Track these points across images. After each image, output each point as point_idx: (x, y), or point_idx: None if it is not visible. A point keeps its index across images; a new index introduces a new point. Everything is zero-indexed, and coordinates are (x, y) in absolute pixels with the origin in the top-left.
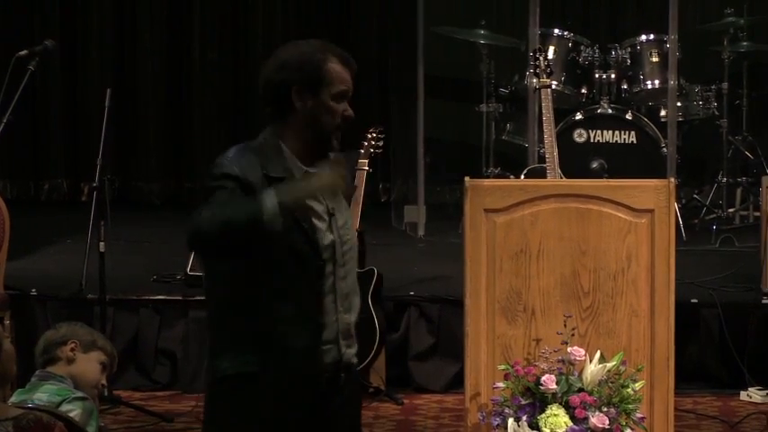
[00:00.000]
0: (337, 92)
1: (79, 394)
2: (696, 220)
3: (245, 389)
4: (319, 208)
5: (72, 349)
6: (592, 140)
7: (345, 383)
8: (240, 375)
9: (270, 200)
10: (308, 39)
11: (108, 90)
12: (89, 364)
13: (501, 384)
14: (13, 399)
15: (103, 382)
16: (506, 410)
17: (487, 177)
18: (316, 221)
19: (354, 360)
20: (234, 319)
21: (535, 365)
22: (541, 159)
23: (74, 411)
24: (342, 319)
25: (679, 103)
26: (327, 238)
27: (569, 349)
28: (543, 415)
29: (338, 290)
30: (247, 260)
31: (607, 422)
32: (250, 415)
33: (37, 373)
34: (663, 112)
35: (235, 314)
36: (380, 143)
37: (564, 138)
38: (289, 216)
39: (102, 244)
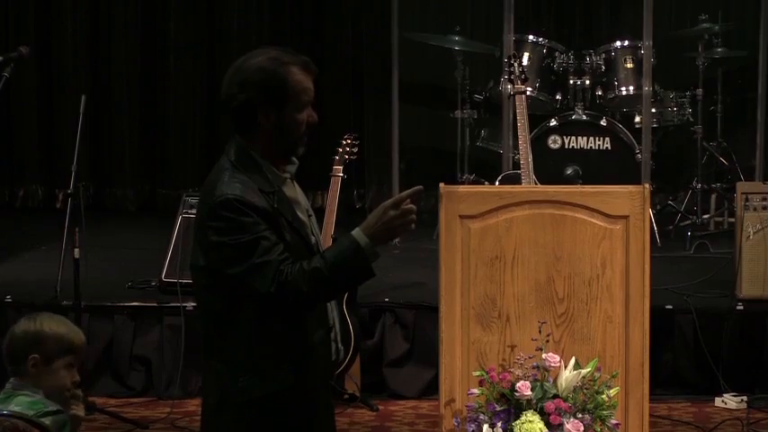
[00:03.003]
0: (304, 103)
1: (52, 408)
2: (671, 227)
3: (279, 405)
4: (302, 210)
5: (33, 365)
6: (566, 146)
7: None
8: (275, 393)
9: (360, 238)
10: (266, 46)
11: (83, 97)
12: (53, 376)
13: (476, 391)
14: None
15: (75, 379)
16: (481, 417)
17: (462, 183)
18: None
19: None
20: (260, 338)
21: (510, 372)
22: (516, 165)
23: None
24: (337, 318)
25: (654, 110)
26: (311, 239)
27: (544, 355)
28: (518, 421)
29: None
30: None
31: (582, 428)
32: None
33: (11, 380)
34: (637, 119)
35: (261, 333)
36: (355, 149)
37: (538, 144)
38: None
39: (76, 250)
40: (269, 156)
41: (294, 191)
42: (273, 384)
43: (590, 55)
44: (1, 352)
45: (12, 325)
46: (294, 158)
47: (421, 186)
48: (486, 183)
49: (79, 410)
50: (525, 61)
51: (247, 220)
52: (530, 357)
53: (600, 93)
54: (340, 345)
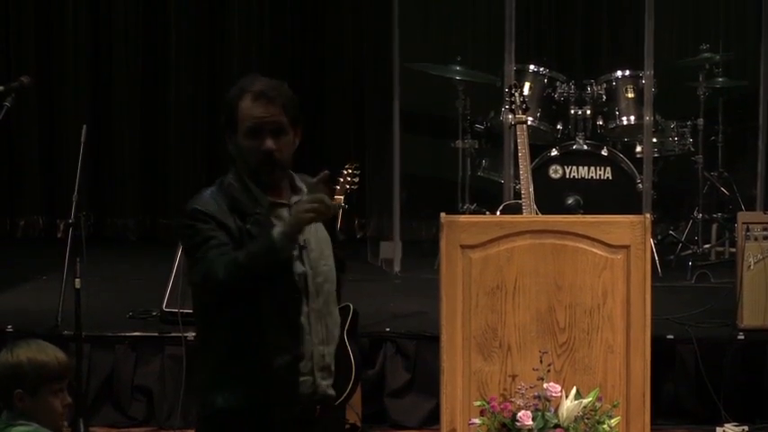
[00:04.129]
0: (246, 129)
1: None
2: (672, 256)
3: (232, 423)
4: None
5: (20, 399)
6: (567, 176)
7: (322, 415)
8: (229, 410)
9: (275, 231)
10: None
11: (84, 127)
12: (42, 406)
13: (477, 420)
14: None
15: (65, 402)
16: None
17: (463, 213)
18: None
19: (330, 392)
20: (223, 357)
21: (511, 401)
22: (517, 195)
23: None
24: (317, 351)
25: (655, 139)
26: (298, 268)
27: (545, 385)
28: None
29: (312, 321)
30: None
31: None
32: None
33: (4, 413)
34: (638, 148)
35: (224, 351)
36: (356, 179)
37: (540, 174)
38: (294, 243)
39: (77, 280)
40: (252, 179)
41: (283, 217)
42: (227, 402)
43: (591, 85)
44: None
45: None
46: (302, 188)
47: (326, 171)
48: (488, 212)
49: None
50: (526, 91)
51: (203, 226)
52: (531, 387)
53: (601, 122)
54: (319, 379)
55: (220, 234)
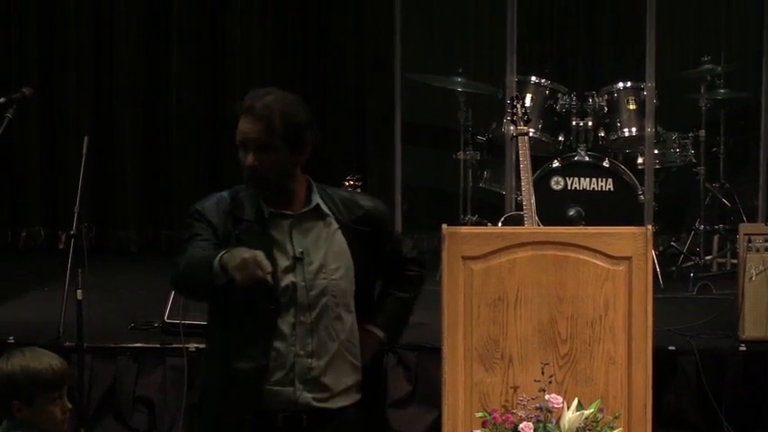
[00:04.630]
0: (237, 142)
1: None
2: (674, 268)
3: (207, 417)
4: (284, 250)
5: (18, 410)
6: (569, 188)
7: (316, 427)
8: (196, 406)
9: (216, 260)
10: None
11: (85, 138)
12: (41, 414)
13: None
14: None
15: (65, 408)
16: None
17: (465, 225)
18: (278, 270)
19: (322, 405)
20: (208, 354)
21: (513, 413)
22: (519, 207)
23: None
24: (301, 363)
25: (656, 151)
26: (287, 279)
27: (547, 397)
28: None
29: (298, 333)
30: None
31: None
32: None
33: (5, 422)
34: (640, 160)
35: (209, 350)
36: (358, 190)
37: (541, 185)
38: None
39: (79, 291)
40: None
41: (283, 233)
42: (198, 397)
43: (593, 96)
44: None
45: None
46: (314, 200)
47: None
48: (489, 224)
49: None
50: (528, 102)
51: (195, 224)
52: (532, 398)
53: (602, 134)
54: (301, 391)
55: (207, 234)
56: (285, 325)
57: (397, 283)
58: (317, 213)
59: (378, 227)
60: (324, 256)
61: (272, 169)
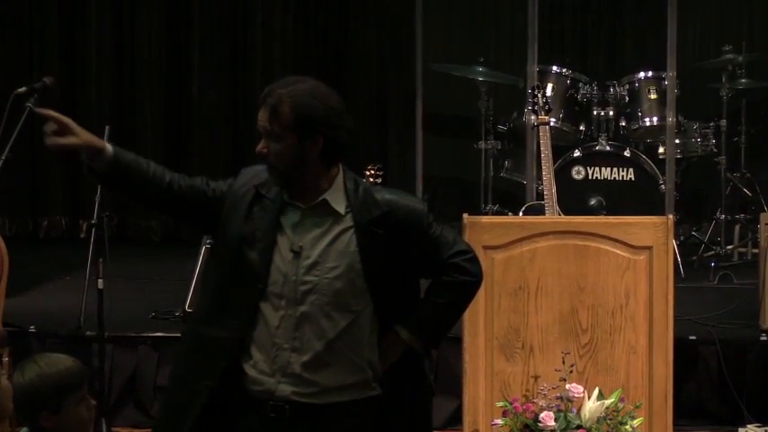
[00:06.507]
0: None
1: None
2: (694, 257)
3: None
4: (287, 240)
5: (46, 419)
6: (590, 177)
7: (301, 420)
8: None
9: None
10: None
11: (106, 127)
12: (69, 418)
13: (499, 421)
14: None
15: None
16: None
17: (486, 214)
18: (276, 254)
19: (307, 400)
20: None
21: (533, 402)
22: (540, 196)
23: None
24: (284, 356)
25: (677, 140)
26: (281, 270)
27: (568, 386)
28: None
29: (285, 325)
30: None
31: None
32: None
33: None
34: (661, 149)
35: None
36: (379, 180)
37: (562, 175)
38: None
39: (100, 281)
40: None
41: (290, 224)
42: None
43: (614, 86)
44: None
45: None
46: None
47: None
48: (510, 213)
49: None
50: (549, 92)
51: (226, 180)
52: (553, 388)
53: (623, 123)
54: (284, 384)
55: (215, 187)
56: (273, 316)
57: (433, 289)
58: (327, 209)
59: (398, 230)
60: (321, 253)
61: (278, 158)
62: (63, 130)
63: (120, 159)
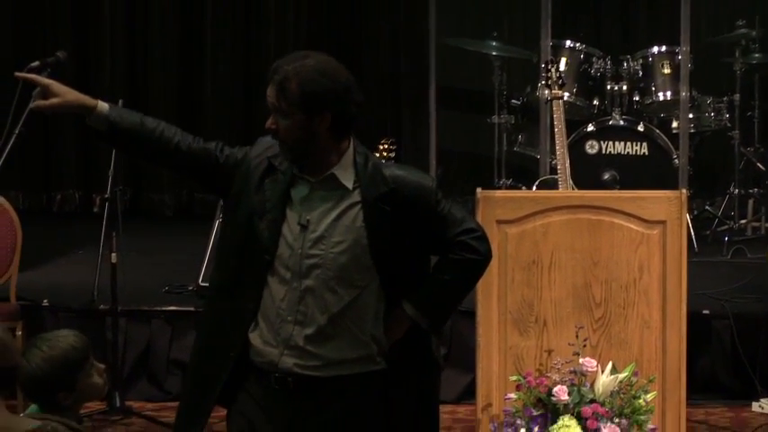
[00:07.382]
0: None
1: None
2: (708, 232)
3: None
4: (295, 214)
5: (64, 398)
6: (603, 152)
7: (304, 392)
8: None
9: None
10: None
11: (120, 101)
12: (85, 390)
13: (513, 395)
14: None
15: (100, 370)
16: (518, 421)
17: (499, 189)
18: (285, 227)
19: (311, 373)
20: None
21: (547, 376)
22: (553, 171)
23: None
24: (287, 328)
25: (691, 115)
26: (288, 243)
27: (581, 360)
28: (555, 426)
29: (290, 298)
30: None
31: None
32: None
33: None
34: (675, 124)
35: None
36: (392, 154)
37: (576, 149)
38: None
39: (113, 255)
40: None
41: (299, 197)
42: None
43: (627, 60)
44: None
45: (49, 329)
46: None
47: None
48: (524, 188)
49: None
50: (563, 66)
51: (242, 148)
52: (567, 362)
53: (637, 98)
54: (286, 357)
55: (228, 153)
56: (279, 289)
57: (440, 266)
58: (335, 183)
59: (405, 207)
60: (328, 227)
61: (287, 134)
62: (46, 93)
63: (118, 118)
